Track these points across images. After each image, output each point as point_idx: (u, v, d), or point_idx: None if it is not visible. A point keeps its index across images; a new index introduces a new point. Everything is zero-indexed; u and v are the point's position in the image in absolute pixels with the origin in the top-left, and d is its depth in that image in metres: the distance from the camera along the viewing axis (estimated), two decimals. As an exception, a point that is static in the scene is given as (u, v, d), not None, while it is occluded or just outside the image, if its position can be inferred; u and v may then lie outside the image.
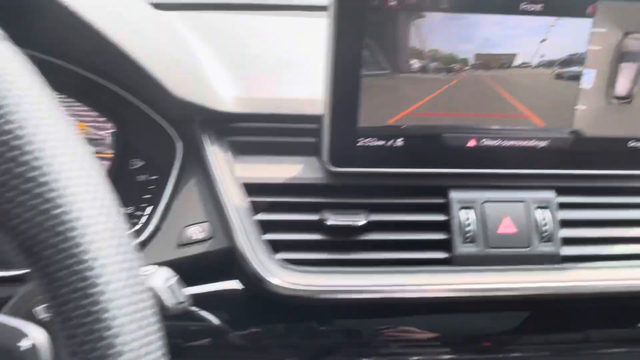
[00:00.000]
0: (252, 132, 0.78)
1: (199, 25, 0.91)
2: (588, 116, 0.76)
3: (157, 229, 0.75)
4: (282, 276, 0.73)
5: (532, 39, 0.71)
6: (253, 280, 0.73)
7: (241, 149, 0.78)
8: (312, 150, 0.77)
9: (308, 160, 0.78)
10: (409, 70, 0.71)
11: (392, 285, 0.74)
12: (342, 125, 0.73)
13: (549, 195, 0.79)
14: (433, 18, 0.69)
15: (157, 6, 0.96)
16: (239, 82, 0.78)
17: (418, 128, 0.74)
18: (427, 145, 0.75)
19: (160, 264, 0.73)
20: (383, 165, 0.76)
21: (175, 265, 0.73)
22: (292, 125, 0.77)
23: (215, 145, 0.76)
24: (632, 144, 0.78)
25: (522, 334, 0.84)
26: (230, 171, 0.76)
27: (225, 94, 0.75)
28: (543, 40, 0.71)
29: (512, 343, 0.85)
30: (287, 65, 0.82)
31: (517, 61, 0.72)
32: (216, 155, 0.76)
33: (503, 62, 0.72)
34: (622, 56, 0.74)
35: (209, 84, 0.75)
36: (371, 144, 0.74)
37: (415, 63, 0.71)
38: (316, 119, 0.75)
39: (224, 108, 0.75)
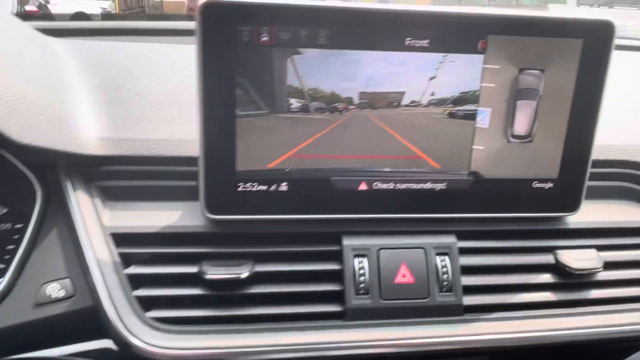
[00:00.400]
0: (124, 176, 0.71)
1: (85, 54, 0.84)
2: (486, 157, 0.71)
3: (11, 286, 0.66)
4: (149, 338, 0.65)
5: (421, 76, 0.66)
6: (119, 343, 0.66)
7: (111, 195, 0.71)
8: (191, 194, 0.70)
9: (187, 205, 0.71)
10: (288, 110, 0.66)
11: (276, 346, 0.67)
12: (218, 169, 0.66)
13: (449, 240, 0.74)
14: (311, 54, 0.64)
15: (46, 32, 0.89)
16: (112, 121, 0.71)
17: (303, 171, 0.69)
18: (315, 189, 0.70)
19: (14, 326, 0.66)
20: (267, 211, 0.69)
21: (31, 327, 0.66)
22: (168, 168, 0.71)
23: (81, 191, 0.69)
24: (537, 184, 0.74)
25: None
26: (98, 219, 0.69)
27: (90, 135, 0.68)
28: (432, 78, 0.67)
29: None
30: (170, 102, 0.75)
31: (406, 100, 0.67)
32: (81, 202, 0.68)
33: (391, 100, 0.67)
34: (518, 93, 0.69)
35: (70, 125, 0.68)
36: (252, 189, 0.68)
37: (295, 102, 0.66)
38: (195, 160, 0.69)
39: (88, 151, 0.67)
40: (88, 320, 0.66)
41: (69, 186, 0.68)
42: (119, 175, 0.70)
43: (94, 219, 0.68)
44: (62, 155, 0.66)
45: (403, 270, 0.71)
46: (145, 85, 0.77)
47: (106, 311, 0.65)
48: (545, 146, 0.72)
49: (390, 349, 0.69)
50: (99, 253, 0.67)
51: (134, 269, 0.68)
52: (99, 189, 0.70)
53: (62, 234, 0.68)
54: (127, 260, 0.69)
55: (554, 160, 0.73)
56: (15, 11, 1.16)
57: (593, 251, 0.77)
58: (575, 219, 0.78)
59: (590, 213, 0.79)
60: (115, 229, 0.68)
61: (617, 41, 0.69)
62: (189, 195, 0.71)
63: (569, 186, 0.74)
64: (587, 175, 0.74)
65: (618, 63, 0.73)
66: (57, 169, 0.69)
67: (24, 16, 1.15)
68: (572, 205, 0.75)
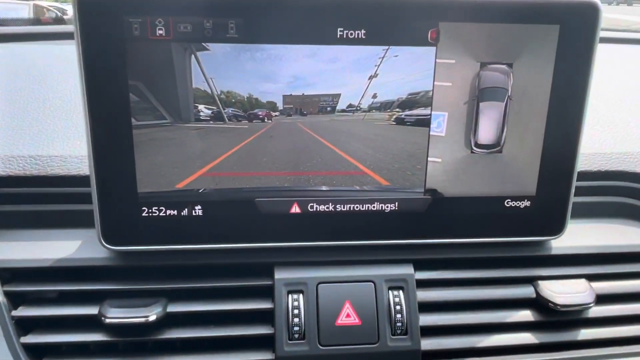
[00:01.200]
0: (12, 200, 0.60)
1: None
2: (445, 171, 0.59)
3: None
4: None
5: (359, 74, 0.54)
6: None
7: (-3, 223, 0.61)
8: (91, 221, 0.59)
9: (86, 234, 0.60)
10: (197, 119, 0.54)
11: None
12: (115, 192, 0.55)
13: (405, 270, 0.61)
14: (220, 51, 0.52)
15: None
16: None
17: (221, 192, 0.57)
18: (237, 213, 0.58)
19: None
20: (178, 241, 0.58)
21: None
22: (64, 190, 0.59)
23: None
24: (510, 203, 0.61)
25: None
26: (-21, 252, 0.58)
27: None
28: (373, 76, 0.55)
29: None
30: (73, 112, 0.64)
31: (342, 104, 0.55)
32: None
33: (323, 104, 0.55)
34: (481, 93, 0.57)
35: None
36: (159, 214, 0.57)
37: (204, 109, 0.54)
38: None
39: None
40: None
41: None
42: (6, 199, 0.59)
43: (-27, 254, 0.58)
44: None
45: (347, 309, 0.59)
46: (41, 97, 0.66)
47: None
48: (518, 157, 0.59)
49: (328, 408, 0.56)
50: (-22, 292, 0.56)
51: (22, 311, 0.57)
52: None
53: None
54: (14, 300, 0.58)
55: (530, 174, 0.60)
56: None
57: (582, 282, 0.64)
58: (559, 244, 0.65)
59: (578, 235, 0.66)
60: (1, 262, 0.58)
61: (628, 35, 0.57)
62: (88, 221, 0.59)
63: (550, 204, 0.61)
64: (573, 190, 0.61)
65: (626, 56, 0.60)
66: None
67: None
68: (555, 227, 0.62)
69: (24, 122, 0.61)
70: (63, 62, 0.75)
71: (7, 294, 0.57)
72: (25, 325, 0.57)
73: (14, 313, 0.57)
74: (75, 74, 0.52)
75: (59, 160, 0.59)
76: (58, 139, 0.60)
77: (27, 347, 0.56)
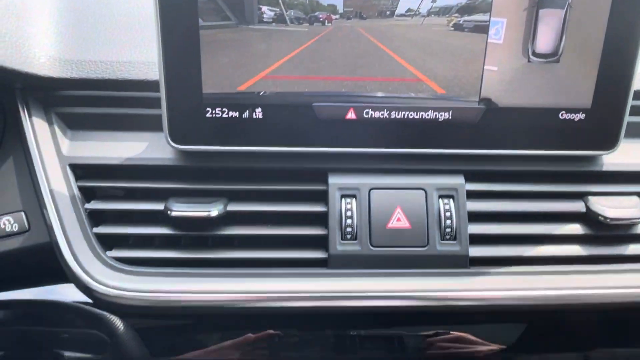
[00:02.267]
0: (85, 103, 0.63)
1: None
2: (501, 80, 0.59)
3: None
4: (108, 279, 0.59)
5: (419, -23, 0.55)
6: (77, 285, 0.60)
7: (72, 123, 0.64)
8: (159, 124, 0.62)
9: (154, 136, 0.63)
10: (260, 21, 0.56)
11: (249, 293, 0.59)
12: (182, 92, 0.58)
13: (456, 181, 0.62)
14: (284, -49, 0.54)
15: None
16: (73, 42, 0.63)
17: (280, 96, 0.59)
18: (295, 117, 0.60)
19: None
20: (240, 142, 0.60)
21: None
22: (133, 94, 0.63)
23: (38, 118, 0.62)
24: (564, 115, 0.62)
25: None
26: (56, 149, 0.62)
27: (49, 55, 0.61)
28: (433, -20, 0.55)
29: None
30: (139, 23, 0.67)
31: (402, 8, 0.56)
32: (38, 129, 0.62)
33: (382, 8, 0.56)
34: (541, 0, 0.57)
35: (26, 44, 0.60)
36: (222, 115, 0.59)
37: (267, 11, 0.56)
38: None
39: (46, 72, 0.60)
40: (44, 258, 0.61)
41: (25, 112, 0.62)
42: (80, 102, 0.63)
43: (52, 148, 0.62)
44: (18, 76, 0.59)
45: (398, 213, 0.61)
46: (112, 6, 0.69)
47: (61, 248, 0.59)
48: (575, 67, 0.59)
49: (379, 302, 0.59)
50: (55, 185, 0.60)
51: (94, 204, 0.62)
52: (58, 116, 0.63)
53: (18, 163, 0.62)
54: (87, 194, 0.62)
55: (586, 85, 0.60)
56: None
57: (634, 198, 0.64)
58: (612, 160, 0.64)
59: (631, 153, 0.65)
60: (75, 159, 0.62)
61: None
62: (156, 125, 0.63)
63: (604, 118, 0.61)
64: (629, 104, 0.61)
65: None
66: (13, 93, 0.62)
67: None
68: (609, 142, 0.62)
69: (95, 30, 0.64)
70: None
71: (80, 188, 0.62)
72: (97, 218, 0.62)
73: (87, 206, 0.61)
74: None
75: (129, 66, 0.62)
76: (127, 46, 0.63)
77: (99, 237, 0.61)
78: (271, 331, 0.66)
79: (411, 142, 0.62)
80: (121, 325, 0.64)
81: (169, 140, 0.59)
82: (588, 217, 0.63)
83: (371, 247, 0.61)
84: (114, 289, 0.58)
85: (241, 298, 0.58)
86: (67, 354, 0.64)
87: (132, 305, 0.59)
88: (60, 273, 0.61)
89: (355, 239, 0.61)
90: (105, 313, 0.65)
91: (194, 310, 0.59)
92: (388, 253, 0.61)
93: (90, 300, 0.62)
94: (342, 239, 0.61)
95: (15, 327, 0.67)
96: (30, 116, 0.62)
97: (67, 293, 0.67)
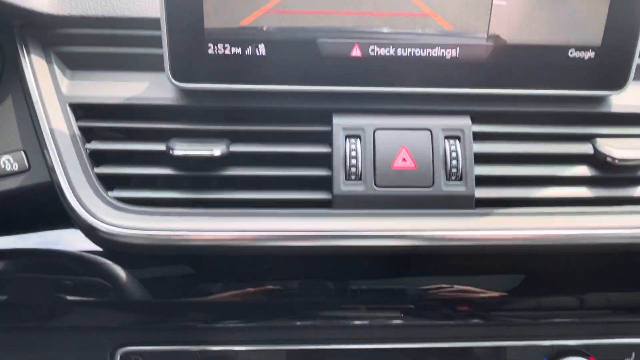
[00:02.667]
0: (85, 41, 0.62)
1: None
2: (510, 15, 0.58)
3: None
4: (112, 218, 0.58)
5: None
6: (78, 224, 0.59)
7: (71, 62, 0.63)
8: (160, 64, 0.61)
9: (155, 77, 0.62)
10: (263, -50, 0.55)
11: (252, 231, 0.58)
12: (183, 26, 0.57)
13: (462, 122, 0.61)
14: None
15: None
16: None
17: (284, 31, 0.58)
18: (299, 54, 0.59)
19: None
20: (242, 80, 0.59)
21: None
22: (133, 32, 0.61)
23: (37, 56, 0.61)
24: (574, 54, 0.60)
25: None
26: (55, 89, 0.61)
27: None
28: None
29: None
30: None
31: (409, -63, 0.55)
32: (37, 68, 0.61)
33: (389, -62, 0.55)
34: None
35: None
36: (224, 51, 0.58)
37: (271, -60, 0.55)
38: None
39: (44, 8, 0.59)
40: (45, 199, 0.60)
41: (24, 50, 0.60)
42: (80, 41, 0.62)
43: (51, 88, 0.60)
44: (16, 12, 0.58)
45: (403, 153, 0.61)
46: None
47: (62, 187, 0.58)
48: (586, 3, 0.58)
49: (384, 241, 0.59)
50: (56, 124, 0.59)
51: (95, 145, 0.61)
52: (57, 55, 0.62)
53: (18, 103, 0.61)
54: (87, 134, 0.61)
55: (596, 23, 0.58)
56: None
57: (642, 141, 0.63)
58: (620, 101, 0.63)
59: (641, 95, 0.65)
60: (75, 98, 0.61)
61: None
62: (157, 65, 0.61)
63: (614, 56, 0.60)
64: (639, 43, 0.60)
65: None
66: (11, 31, 0.61)
67: None
68: (618, 81, 0.61)
69: None
70: None
71: (81, 128, 0.61)
72: (98, 159, 0.61)
73: (88, 146, 0.61)
74: None
75: (128, 2, 0.61)
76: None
77: (101, 178, 0.60)
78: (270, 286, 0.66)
79: (417, 80, 0.60)
80: (124, 272, 0.64)
81: (170, 77, 0.58)
82: (595, 159, 0.62)
83: (376, 188, 0.60)
84: (118, 227, 0.57)
85: (245, 237, 0.58)
86: (69, 297, 0.64)
87: (136, 244, 0.58)
88: (62, 216, 0.61)
89: (360, 179, 0.60)
90: (107, 260, 0.65)
91: (199, 249, 0.59)
92: (393, 193, 0.60)
93: (92, 248, 0.62)
94: (346, 179, 0.60)
95: (17, 275, 0.67)
96: (29, 55, 0.60)
97: (68, 242, 0.66)
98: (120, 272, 0.63)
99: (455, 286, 0.65)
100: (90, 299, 0.63)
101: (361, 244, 0.59)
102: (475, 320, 0.65)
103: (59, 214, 0.61)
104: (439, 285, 0.65)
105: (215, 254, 0.60)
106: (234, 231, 0.58)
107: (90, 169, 0.60)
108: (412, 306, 0.65)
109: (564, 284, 0.66)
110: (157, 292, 0.64)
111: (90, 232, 0.58)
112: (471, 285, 0.65)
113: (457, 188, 0.60)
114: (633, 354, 0.69)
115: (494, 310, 0.66)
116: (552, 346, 0.68)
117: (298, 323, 0.65)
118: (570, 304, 0.66)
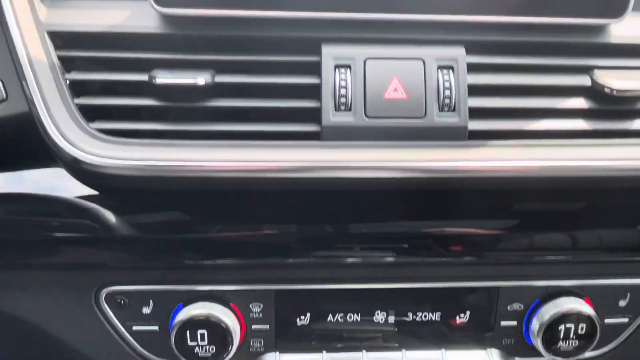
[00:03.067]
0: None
1: None
2: None
3: None
4: (96, 148, 0.56)
5: None
6: (60, 158, 0.57)
7: (50, -12, 0.61)
8: None
9: (138, 4, 0.59)
10: None
11: (238, 161, 0.56)
12: (166, -53, 0.55)
13: (456, 52, 0.59)
14: None
15: None
16: None
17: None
18: (286, -23, 0.57)
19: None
20: (227, 4, 0.57)
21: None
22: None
23: None
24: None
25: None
26: (33, 16, 0.58)
27: None
28: None
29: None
30: None
31: None
32: None
33: None
34: None
35: None
36: (209, -26, 0.56)
37: None
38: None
39: None
40: (24, 133, 0.58)
41: None
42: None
43: (28, 15, 0.58)
44: None
45: (395, 83, 0.58)
46: None
47: (41, 119, 0.56)
48: None
49: (375, 173, 0.57)
50: (34, 53, 0.57)
51: (75, 75, 0.59)
52: None
53: (-6, 30, 0.59)
54: (67, 64, 0.59)
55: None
56: None
57: (641, 73, 0.62)
58: (619, 32, 0.61)
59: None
60: (54, 26, 0.58)
61: None
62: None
63: (614, -19, 0.58)
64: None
65: None
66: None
67: None
68: (617, 9, 0.59)
69: None
70: None
71: (60, 58, 0.58)
72: (78, 89, 0.59)
73: (68, 76, 0.58)
74: None
75: None
76: None
77: (81, 109, 0.58)
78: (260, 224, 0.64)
79: (410, 6, 0.58)
80: (107, 209, 0.62)
81: (153, 3, 0.56)
82: (593, 91, 0.60)
83: (366, 118, 0.58)
84: (102, 157, 0.55)
85: (233, 167, 0.56)
86: (51, 235, 0.62)
87: (121, 176, 0.56)
88: (43, 152, 0.59)
89: (350, 109, 0.58)
90: (90, 197, 0.63)
91: (186, 181, 0.57)
92: (383, 124, 0.58)
93: (74, 186, 0.60)
94: (335, 110, 0.58)
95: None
96: None
97: (50, 181, 0.64)
98: (104, 210, 0.61)
99: (447, 226, 0.64)
100: (73, 235, 0.61)
101: (351, 176, 0.57)
102: (468, 259, 0.64)
103: (39, 151, 0.59)
104: (431, 224, 0.64)
105: (202, 188, 0.59)
106: (221, 161, 0.56)
107: (70, 100, 0.58)
108: (405, 245, 0.63)
109: (558, 222, 0.64)
110: (142, 229, 0.62)
111: (73, 165, 0.56)
112: (464, 224, 0.64)
113: (449, 119, 0.58)
114: (628, 294, 0.68)
115: (487, 250, 0.64)
116: (545, 287, 0.67)
117: (289, 261, 0.63)
118: (565, 244, 0.64)
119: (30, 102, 0.57)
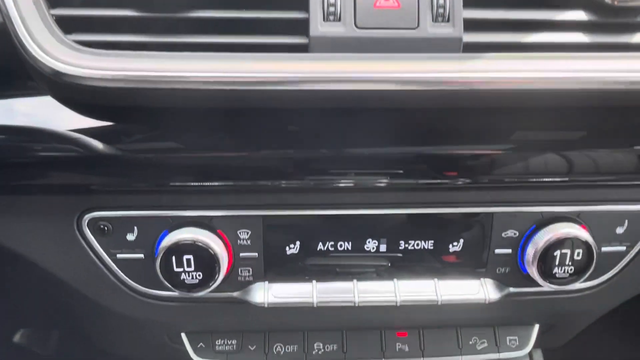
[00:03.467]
0: None
1: None
2: None
3: None
4: (75, 59, 0.53)
5: None
6: (37, 71, 0.54)
7: None
8: None
9: None
10: None
11: (224, 73, 0.53)
12: None
13: (450, -42, 0.57)
14: None
15: None
16: None
17: None
18: None
19: None
20: None
21: None
22: None
23: None
24: None
25: None
26: None
27: None
28: None
29: None
30: None
31: None
32: None
33: None
34: None
35: None
36: None
37: None
38: None
39: None
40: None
41: None
42: None
43: None
44: None
45: (386, -9, 0.56)
46: None
47: (15, 28, 0.53)
48: None
49: (365, 85, 0.54)
50: (6, -42, 0.54)
51: (50, -17, 0.56)
52: None
53: None
54: None
55: None
56: None
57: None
58: None
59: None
60: None
61: None
62: None
63: None
64: None
65: None
66: None
67: None
68: None
69: None
70: None
71: (35, -35, 0.56)
72: (55, 1, 0.56)
73: None
74: None
75: None
76: None
77: (58, 20, 0.55)
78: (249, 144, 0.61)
79: None
80: (88, 126, 0.59)
81: None
82: (593, 2, 0.58)
83: (356, 29, 0.55)
84: (82, 68, 0.53)
85: (217, 79, 0.53)
86: (37, 154, 0.60)
87: (104, 87, 0.53)
88: (20, 69, 0.56)
89: (339, 20, 0.55)
90: (76, 123, 0.60)
91: (170, 92, 0.54)
92: (374, 35, 0.55)
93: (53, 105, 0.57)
94: (324, 20, 0.55)
95: None
96: None
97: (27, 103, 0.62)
98: (85, 128, 0.59)
99: (441, 147, 0.62)
100: (53, 154, 0.59)
101: (340, 88, 0.55)
102: (462, 182, 0.62)
103: (16, 69, 0.56)
104: (424, 145, 0.61)
105: (186, 102, 0.56)
106: (204, 72, 0.53)
107: (46, 10, 0.55)
108: (398, 167, 0.61)
109: (554, 144, 0.62)
110: (125, 148, 0.59)
111: (52, 77, 0.53)
112: (458, 145, 0.62)
113: (443, 30, 0.56)
114: (626, 221, 0.67)
115: (481, 173, 0.62)
116: (541, 212, 0.66)
117: (278, 183, 0.61)
118: (561, 166, 0.62)
119: (4, 15, 0.54)
